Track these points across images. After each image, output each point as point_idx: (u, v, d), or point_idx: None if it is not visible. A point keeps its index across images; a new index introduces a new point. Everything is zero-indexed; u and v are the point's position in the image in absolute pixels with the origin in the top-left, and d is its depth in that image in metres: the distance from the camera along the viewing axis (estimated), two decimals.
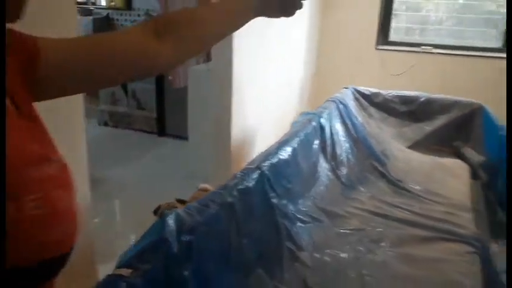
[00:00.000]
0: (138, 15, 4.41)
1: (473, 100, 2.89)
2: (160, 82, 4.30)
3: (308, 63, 4.09)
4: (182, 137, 4.27)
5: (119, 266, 1.10)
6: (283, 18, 0.85)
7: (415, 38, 4.24)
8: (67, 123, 1.55)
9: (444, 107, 2.92)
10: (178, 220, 1.28)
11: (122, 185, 3.31)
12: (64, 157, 0.55)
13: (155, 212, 2.23)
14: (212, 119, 2.94)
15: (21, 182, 0.45)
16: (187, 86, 3.61)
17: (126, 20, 4.51)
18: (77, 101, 1.57)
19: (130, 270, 1.08)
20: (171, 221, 1.26)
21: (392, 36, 4.21)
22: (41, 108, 0.58)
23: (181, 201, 2.26)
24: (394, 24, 4.25)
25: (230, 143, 2.82)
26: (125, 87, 4.47)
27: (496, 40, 3.89)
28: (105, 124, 4.64)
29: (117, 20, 4.57)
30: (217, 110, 2.82)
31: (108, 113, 4.61)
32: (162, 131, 4.42)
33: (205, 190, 2.38)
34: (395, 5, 4.14)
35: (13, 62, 0.52)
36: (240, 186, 1.60)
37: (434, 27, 4.18)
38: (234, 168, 2.91)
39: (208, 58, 3.91)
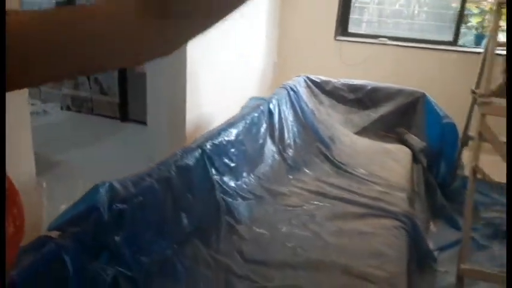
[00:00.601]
0: None
1: (416, 89, 3.06)
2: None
3: (269, 52, 4.19)
4: (144, 122, 4.33)
5: (49, 229, 1.18)
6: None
7: (375, 30, 4.40)
8: (10, 103, 1.61)
9: (389, 95, 3.09)
10: (111, 190, 1.37)
11: (79, 167, 3.35)
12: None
13: None
14: (168, 102, 3.01)
15: None
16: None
17: None
18: None
19: (58, 233, 1.16)
20: (102, 190, 1.34)
21: (353, 28, 4.35)
22: None
23: None
24: (356, 16, 4.40)
25: (185, 128, 2.91)
26: None
27: (448, 34, 4.09)
28: (68, 108, 4.63)
29: None
30: (172, 96, 2.90)
31: (70, 97, 4.60)
32: (124, 117, 4.45)
33: None
34: None
35: None
36: (179, 163, 1.70)
37: (393, 20, 4.35)
38: None
39: None
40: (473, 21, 4.30)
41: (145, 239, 1.44)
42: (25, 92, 1.68)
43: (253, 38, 3.79)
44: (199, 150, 1.84)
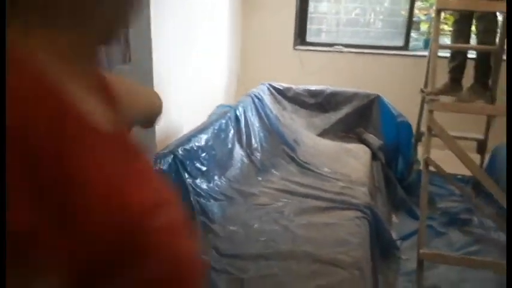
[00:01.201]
0: None
1: (370, 92, 3.28)
2: None
3: (231, 61, 4.34)
4: None
5: None
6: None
7: (334, 39, 4.64)
8: None
9: (347, 98, 3.29)
10: None
11: None
12: None
13: None
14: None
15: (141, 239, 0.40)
16: None
17: None
18: None
19: None
20: None
21: (314, 38, 4.58)
22: None
23: None
24: (316, 26, 4.64)
25: (155, 136, 2.99)
26: None
27: (400, 40, 4.37)
28: None
29: None
30: None
31: None
32: None
33: None
34: (311, 9, 4.52)
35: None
36: (154, 168, 1.80)
37: (351, 29, 4.61)
38: None
39: (126, 59, 4.03)
40: (423, 27, 4.63)
41: None
42: None
43: (215, 50, 3.93)
44: (172, 156, 1.95)
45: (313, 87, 3.38)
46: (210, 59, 3.77)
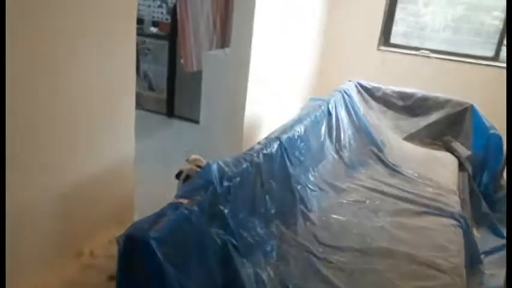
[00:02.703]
0: None
1: (465, 100, 3.18)
2: (172, 65, 4.52)
3: (314, 58, 4.35)
4: (189, 118, 4.51)
5: (176, 197, 1.35)
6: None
7: (413, 42, 4.53)
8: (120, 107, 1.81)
9: (438, 104, 3.21)
10: (220, 169, 1.53)
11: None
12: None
13: (177, 176, 2.48)
14: (226, 102, 3.17)
15: None
16: (201, 71, 3.83)
17: None
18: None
19: (187, 200, 1.33)
20: (214, 168, 1.51)
21: (395, 39, 4.50)
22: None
23: (199, 167, 2.51)
24: (395, 28, 4.54)
25: (243, 126, 3.07)
26: (137, 69, 4.68)
27: (489, 50, 4.20)
28: None
29: None
30: (233, 94, 3.05)
31: None
32: (170, 112, 4.65)
33: (197, 159, 2.64)
34: (398, 11, 4.43)
35: None
36: (265, 151, 1.86)
37: (432, 34, 4.48)
38: (244, 149, 3.16)
39: (224, 44, 4.14)
40: None
41: (243, 215, 1.60)
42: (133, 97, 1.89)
43: (302, 44, 3.95)
44: (278, 142, 2.00)
45: (403, 90, 3.32)
46: (297, 50, 3.80)
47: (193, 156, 2.73)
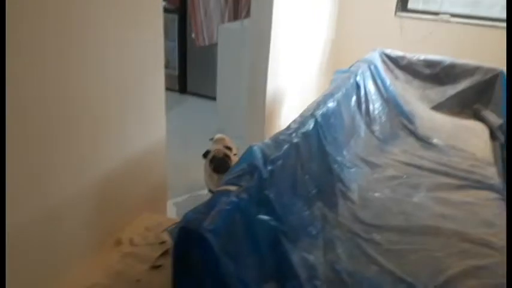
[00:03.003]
0: None
1: (495, 66, 3.04)
2: (183, 40, 4.38)
3: (330, 27, 4.18)
4: (204, 95, 4.40)
5: (224, 184, 1.26)
6: None
7: (433, 6, 4.34)
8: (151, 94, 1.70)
9: (467, 71, 3.08)
10: (262, 152, 1.44)
11: None
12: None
13: (204, 155, 2.40)
14: (245, 77, 3.05)
15: None
16: (217, 44, 3.69)
17: None
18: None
19: (236, 187, 1.24)
20: (257, 151, 1.42)
21: (413, 4, 4.31)
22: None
23: (228, 148, 2.43)
24: None
25: (265, 100, 2.95)
26: None
27: None
28: None
29: None
30: (253, 68, 2.92)
31: None
32: (183, 89, 4.53)
33: (223, 139, 2.56)
34: None
35: None
36: (302, 130, 1.76)
37: None
38: (267, 125, 3.07)
39: (237, 17, 3.98)
40: None
41: (286, 198, 1.52)
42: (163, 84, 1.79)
43: (319, 13, 3.79)
44: (313, 119, 1.90)
45: (429, 57, 3.18)
46: (314, 20, 3.65)
47: (218, 136, 2.65)
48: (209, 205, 1.17)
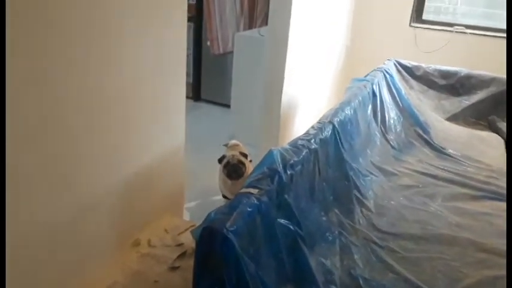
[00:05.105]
0: None
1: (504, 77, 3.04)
2: (198, 48, 4.43)
3: (345, 36, 4.21)
4: (216, 102, 4.44)
5: (246, 187, 1.28)
6: None
7: (446, 18, 4.35)
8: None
9: (483, 82, 3.08)
10: (282, 156, 1.46)
11: None
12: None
13: (220, 160, 2.42)
14: (260, 85, 3.08)
15: None
16: (231, 53, 3.73)
17: None
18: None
19: (257, 190, 1.26)
20: (276, 155, 1.43)
21: (428, 16, 4.32)
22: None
23: (243, 155, 2.45)
24: (427, 3, 4.36)
25: (280, 108, 2.97)
26: None
27: None
28: None
29: None
30: (269, 76, 2.95)
31: None
32: (197, 96, 4.58)
33: (237, 145, 2.58)
34: None
35: None
36: (320, 136, 1.78)
37: (465, 7, 4.29)
38: (281, 132, 3.09)
39: (253, 25, 4.02)
40: None
41: (304, 204, 1.53)
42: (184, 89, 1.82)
43: (334, 23, 3.82)
44: (331, 125, 1.91)
45: (445, 68, 3.19)
46: (329, 29, 3.68)
47: (233, 142, 2.67)
48: (231, 206, 1.18)
